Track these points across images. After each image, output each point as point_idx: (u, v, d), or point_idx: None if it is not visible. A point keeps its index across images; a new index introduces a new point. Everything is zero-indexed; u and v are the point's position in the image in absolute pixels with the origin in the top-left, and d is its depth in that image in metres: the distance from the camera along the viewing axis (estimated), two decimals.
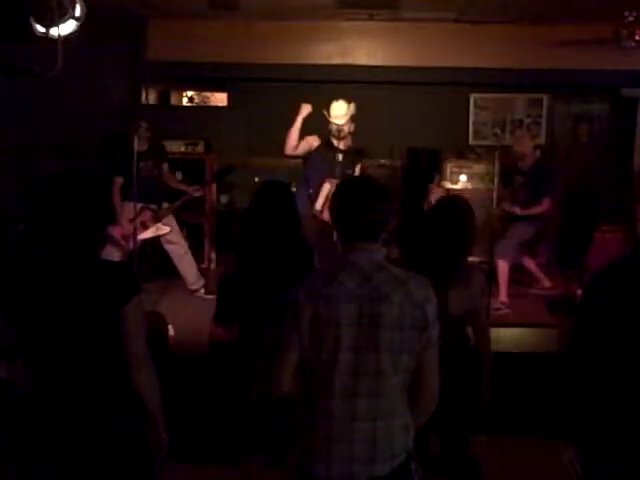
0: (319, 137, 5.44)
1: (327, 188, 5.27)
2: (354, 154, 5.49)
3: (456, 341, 2.96)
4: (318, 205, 5.31)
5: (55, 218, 2.18)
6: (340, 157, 5.32)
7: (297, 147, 5.41)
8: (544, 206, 5.98)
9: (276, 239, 3.28)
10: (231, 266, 3.55)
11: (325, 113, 5.38)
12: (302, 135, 5.47)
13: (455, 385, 2.94)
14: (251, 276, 3.31)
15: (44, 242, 2.20)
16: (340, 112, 5.34)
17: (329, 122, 5.36)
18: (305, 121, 5.49)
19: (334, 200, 2.19)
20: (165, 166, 6.22)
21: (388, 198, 2.15)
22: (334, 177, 5.16)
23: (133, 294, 2.24)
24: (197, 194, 6.28)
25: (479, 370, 3.06)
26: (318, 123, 5.45)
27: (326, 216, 5.22)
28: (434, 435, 3.14)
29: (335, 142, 5.38)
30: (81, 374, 2.24)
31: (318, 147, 5.43)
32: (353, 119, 5.41)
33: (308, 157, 5.47)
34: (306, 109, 5.44)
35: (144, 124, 5.84)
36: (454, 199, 3.44)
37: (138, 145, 5.51)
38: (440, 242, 2.98)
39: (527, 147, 6.21)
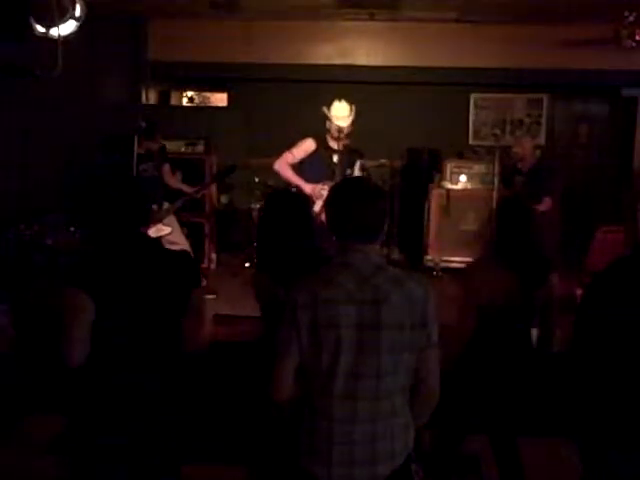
0: (315, 139, 5.38)
1: (326, 191, 5.25)
2: (351, 153, 5.45)
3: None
4: (317, 207, 5.29)
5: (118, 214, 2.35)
6: (336, 158, 5.28)
7: (291, 162, 5.39)
8: (545, 206, 5.98)
9: (291, 253, 3.13)
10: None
11: (325, 111, 5.33)
12: (296, 138, 5.43)
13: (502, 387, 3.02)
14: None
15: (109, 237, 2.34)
16: (343, 113, 5.29)
17: (329, 121, 5.31)
18: (305, 120, 5.47)
19: (329, 201, 2.18)
20: (166, 167, 6.22)
21: (383, 199, 2.13)
22: (333, 179, 5.13)
23: (199, 280, 2.52)
24: (197, 195, 6.28)
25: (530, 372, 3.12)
26: (318, 123, 5.43)
27: (324, 218, 5.20)
28: (431, 433, 3.17)
29: (332, 143, 5.32)
30: (147, 359, 2.34)
31: (315, 150, 5.37)
32: (353, 122, 5.39)
33: (304, 160, 5.42)
34: (310, 146, 5.35)
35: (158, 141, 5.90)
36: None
37: (150, 147, 5.55)
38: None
39: (526, 148, 6.21)
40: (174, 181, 6.37)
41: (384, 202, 2.12)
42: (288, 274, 3.01)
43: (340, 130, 5.24)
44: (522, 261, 3.08)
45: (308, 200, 3.55)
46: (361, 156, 5.60)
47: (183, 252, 2.62)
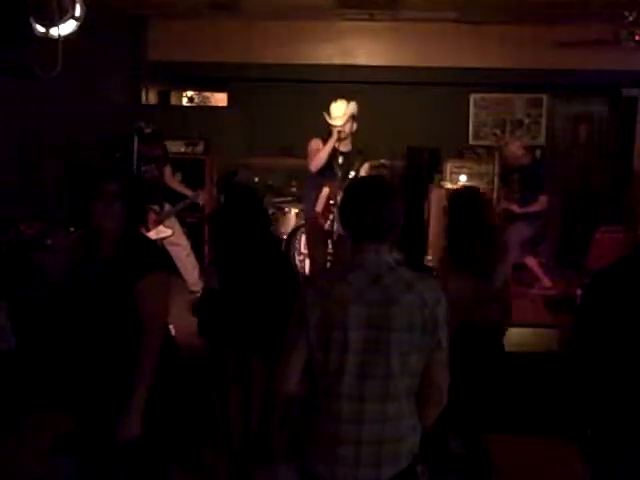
0: (322, 140, 5.33)
1: (326, 192, 5.22)
2: (356, 156, 5.38)
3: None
4: (318, 207, 5.27)
5: None
6: (341, 160, 5.23)
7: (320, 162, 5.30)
8: (541, 204, 5.99)
9: (248, 247, 3.13)
10: (210, 280, 3.47)
11: (325, 115, 5.29)
12: (305, 138, 5.39)
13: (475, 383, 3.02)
14: (232, 288, 3.18)
15: None
16: (339, 113, 5.23)
17: (329, 124, 5.27)
18: (304, 120, 5.43)
19: (343, 201, 2.17)
20: (167, 169, 6.22)
21: (398, 198, 2.11)
22: (334, 181, 5.10)
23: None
24: (199, 199, 6.31)
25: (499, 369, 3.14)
26: (318, 124, 5.41)
27: (323, 221, 5.18)
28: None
29: (336, 145, 5.27)
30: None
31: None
32: (354, 118, 5.30)
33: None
34: (318, 144, 5.25)
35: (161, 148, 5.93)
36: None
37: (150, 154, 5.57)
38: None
39: (511, 151, 6.23)
40: (175, 183, 6.37)
41: (397, 202, 2.10)
42: (255, 272, 3.06)
43: (339, 131, 5.18)
44: (474, 258, 3.06)
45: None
46: (364, 156, 5.52)
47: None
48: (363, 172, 5.41)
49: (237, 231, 3.10)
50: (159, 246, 6.16)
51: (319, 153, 5.20)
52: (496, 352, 3.16)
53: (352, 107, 5.24)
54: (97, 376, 2.40)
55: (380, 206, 2.06)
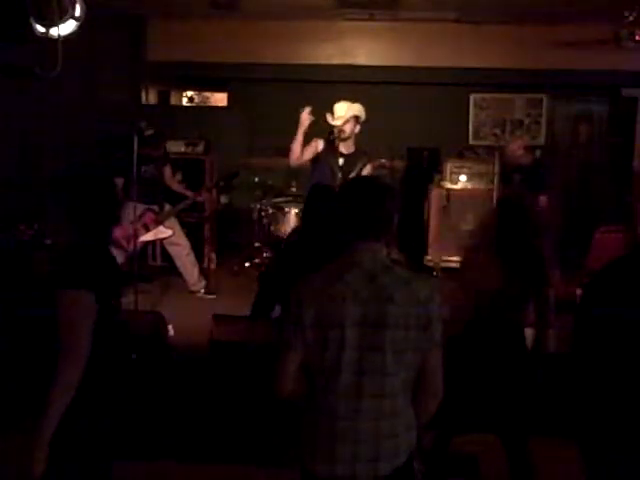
0: (322, 140, 5.29)
1: None
2: (357, 157, 5.31)
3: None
4: None
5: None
6: (342, 161, 5.18)
7: (302, 156, 5.24)
8: (542, 204, 5.99)
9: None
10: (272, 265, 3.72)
11: (328, 114, 5.26)
12: (307, 139, 5.36)
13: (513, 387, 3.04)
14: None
15: None
16: (340, 113, 5.19)
17: (330, 125, 5.23)
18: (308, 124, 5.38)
19: (339, 200, 2.19)
20: (167, 169, 6.22)
21: (393, 198, 2.13)
22: (335, 182, 5.07)
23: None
24: (199, 199, 6.32)
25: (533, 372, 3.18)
26: (317, 123, 5.40)
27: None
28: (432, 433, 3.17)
29: (335, 144, 5.22)
30: None
31: (322, 151, 5.28)
32: (357, 120, 5.24)
33: (315, 161, 5.33)
34: (306, 119, 5.13)
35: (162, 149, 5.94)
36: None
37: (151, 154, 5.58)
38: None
39: (511, 150, 6.25)
40: (175, 183, 6.38)
41: (392, 200, 2.12)
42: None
43: (339, 130, 5.15)
44: (520, 258, 3.11)
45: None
46: (367, 157, 5.45)
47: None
48: (366, 173, 5.35)
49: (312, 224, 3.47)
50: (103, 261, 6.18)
51: (291, 145, 5.21)
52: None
53: (355, 109, 5.17)
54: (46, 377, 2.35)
55: (373, 205, 2.08)
